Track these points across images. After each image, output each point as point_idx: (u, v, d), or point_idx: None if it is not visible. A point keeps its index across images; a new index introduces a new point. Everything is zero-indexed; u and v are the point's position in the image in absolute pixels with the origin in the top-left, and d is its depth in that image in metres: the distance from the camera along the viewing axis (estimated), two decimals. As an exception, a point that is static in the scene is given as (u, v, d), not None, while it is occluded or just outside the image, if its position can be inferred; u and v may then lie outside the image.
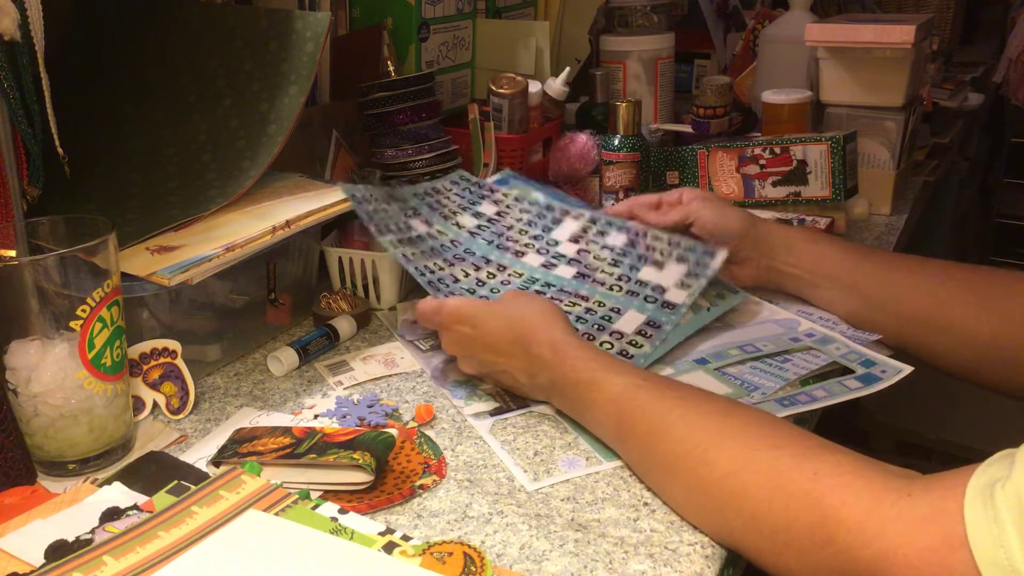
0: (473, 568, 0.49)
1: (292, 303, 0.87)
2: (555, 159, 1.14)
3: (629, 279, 0.83)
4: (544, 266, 0.85)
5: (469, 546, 0.51)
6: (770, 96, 1.12)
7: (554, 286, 0.83)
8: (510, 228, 0.90)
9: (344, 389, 0.74)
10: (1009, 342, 0.69)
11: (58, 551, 0.49)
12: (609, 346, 0.75)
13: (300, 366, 0.78)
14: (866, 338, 0.79)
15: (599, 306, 0.80)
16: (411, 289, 0.95)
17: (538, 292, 0.81)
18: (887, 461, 0.50)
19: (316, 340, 0.80)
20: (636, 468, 0.61)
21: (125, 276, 0.66)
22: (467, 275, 0.82)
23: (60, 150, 0.69)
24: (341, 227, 0.93)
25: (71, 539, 0.51)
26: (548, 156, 1.15)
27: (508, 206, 0.92)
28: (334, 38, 1.04)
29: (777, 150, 1.02)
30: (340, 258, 0.89)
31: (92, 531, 0.52)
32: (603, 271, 0.84)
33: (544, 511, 0.57)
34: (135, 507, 0.54)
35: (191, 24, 0.90)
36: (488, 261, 0.85)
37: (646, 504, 0.58)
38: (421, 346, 0.81)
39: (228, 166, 0.82)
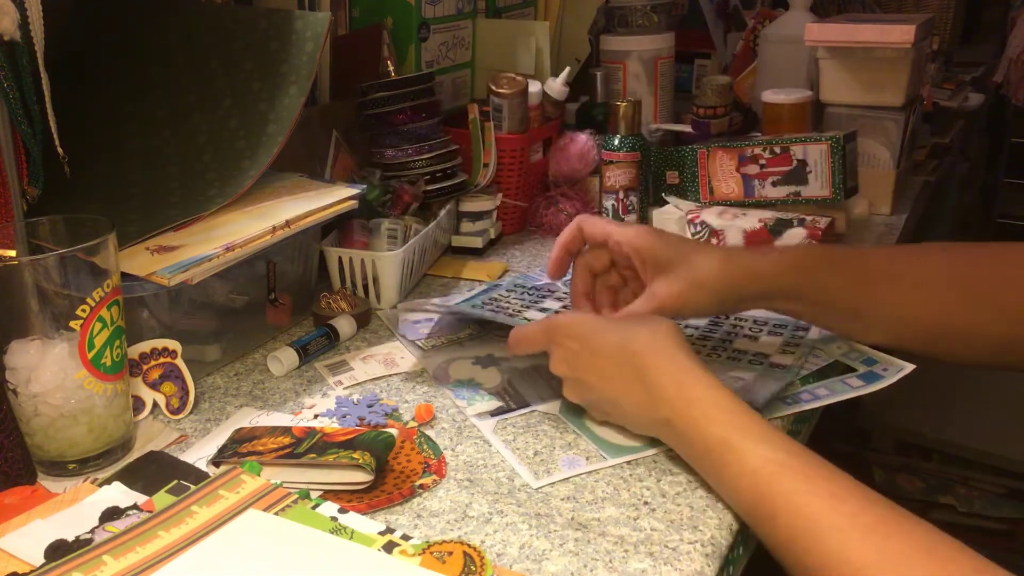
0: (473, 568, 0.49)
1: (292, 303, 0.87)
2: (555, 159, 1.14)
3: (724, 348, 0.76)
4: None
5: (469, 545, 0.51)
6: (770, 96, 1.12)
7: None
8: None
9: (344, 389, 0.74)
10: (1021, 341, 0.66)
11: (58, 551, 0.49)
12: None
13: (300, 366, 0.78)
14: None
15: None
16: (411, 289, 0.95)
17: None
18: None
19: (316, 340, 0.80)
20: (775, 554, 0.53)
21: (125, 276, 0.66)
22: None
23: (60, 150, 0.69)
24: (341, 227, 0.93)
25: (71, 539, 0.51)
26: (548, 156, 1.15)
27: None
28: (334, 38, 1.04)
29: (777, 150, 1.02)
30: (340, 258, 0.89)
31: (92, 531, 0.52)
32: (694, 342, 0.77)
33: (544, 510, 0.57)
34: (135, 507, 0.54)
35: (191, 24, 0.90)
36: None
37: (646, 503, 0.58)
38: (422, 346, 0.81)
39: (228, 166, 0.82)
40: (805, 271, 0.70)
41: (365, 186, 0.87)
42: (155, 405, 0.71)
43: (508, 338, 0.69)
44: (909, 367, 0.71)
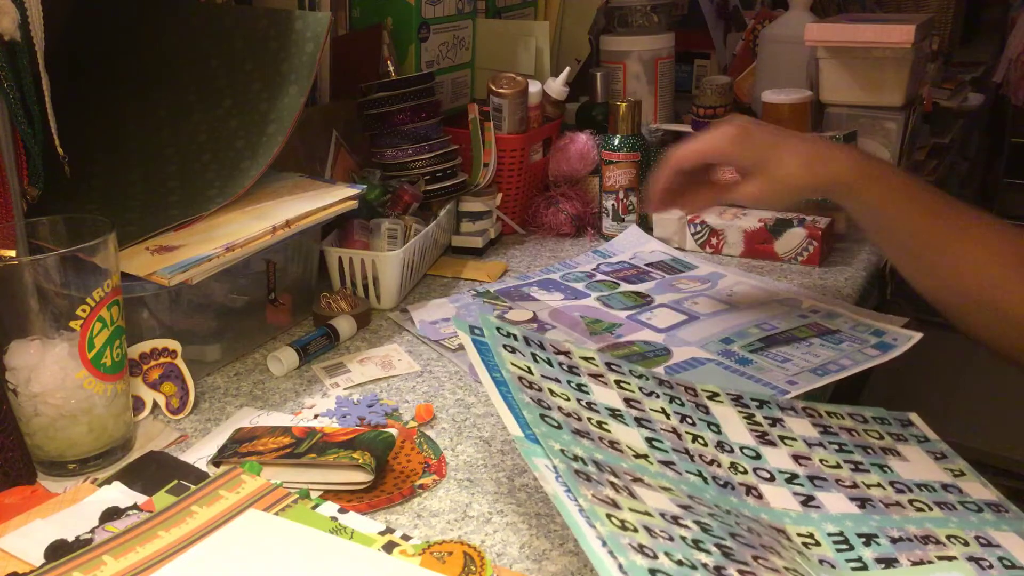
0: (473, 568, 0.49)
1: (292, 303, 0.87)
2: (555, 159, 1.14)
3: (902, 485, 0.59)
4: (807, 505, 0.55)
5: (469, 545, 0.51)
6: (770, 96, 1.12)
7: (876, 539, 0.53)
8: (675, 432, 0.58)
9: (343, 390, 0.74)
10: None
11: (58, 551, 0.49)
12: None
13: (300, 366, 0.78)
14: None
15: (953, 542, 0.53)
16: (411, 289, 0.95)
17: (872, 563, 0.51)
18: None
19: (316, 340, 0.80)
20: None
21: (125, 276, 0.66)
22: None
23: (60, 150, 0.69)
24: (341, 227, 0.93)
25: (71, 539, 0.51)
26: (548, 156, 1.15)
27: (620, 383, 0.61)
28: (334, 38, 1.04)
29: (777, 150, 1.02)
30: (340, 258, 0.89)
31: (92, 531, 0.52)
32: (868, 484, 0.58)
33: (544, 510, 0.57)
34: (135, 507, 0.54)
35: (191, 24, 0.90)
36: (726, 513, 0.51)
37: (646, 504, 0.58)
38: (448, 345, 0.81)
39: (228, 166, 0.82)
40: (886, 183, 0.70)
41: (365, 186, 0.87)
42: (155, 405, 0.71)
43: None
44: (917, 336, 0.75)
